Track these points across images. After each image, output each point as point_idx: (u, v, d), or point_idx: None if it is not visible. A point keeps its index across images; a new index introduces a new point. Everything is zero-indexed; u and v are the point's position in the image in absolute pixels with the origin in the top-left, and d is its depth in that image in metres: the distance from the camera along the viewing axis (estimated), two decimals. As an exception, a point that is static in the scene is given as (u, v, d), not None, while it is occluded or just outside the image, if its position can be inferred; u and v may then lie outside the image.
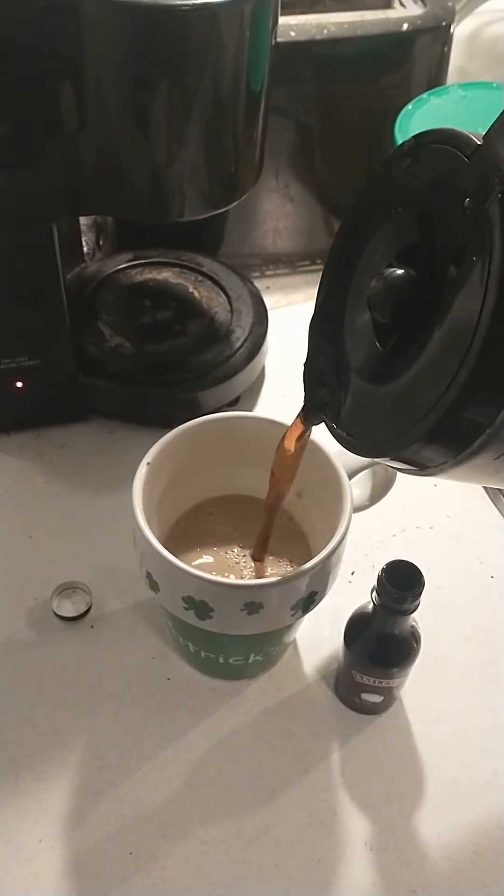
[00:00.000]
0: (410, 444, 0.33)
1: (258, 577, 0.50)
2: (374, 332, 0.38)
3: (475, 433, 0.32)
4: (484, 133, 0.32)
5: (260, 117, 0.56)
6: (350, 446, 0.39)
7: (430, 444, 0.33)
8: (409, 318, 0.36)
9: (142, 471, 0.48)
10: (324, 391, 0.42)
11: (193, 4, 0.46)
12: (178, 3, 0.46)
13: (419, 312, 0.35)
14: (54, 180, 0.53)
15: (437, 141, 0.35)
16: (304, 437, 0.46)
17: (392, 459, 0.36)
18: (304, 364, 0.44)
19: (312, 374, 0.43)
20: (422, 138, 0.36)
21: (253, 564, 0.51)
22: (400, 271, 0.36)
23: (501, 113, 0.31)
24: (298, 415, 0.45)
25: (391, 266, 0.37)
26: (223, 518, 0.53)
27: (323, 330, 0.43)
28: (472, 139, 0.33)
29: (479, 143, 0.32)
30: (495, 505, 0.66)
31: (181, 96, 0.50)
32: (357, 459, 0.50)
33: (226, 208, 0.58)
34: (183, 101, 0.50)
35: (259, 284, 0.75)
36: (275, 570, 0.51)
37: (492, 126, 0.32)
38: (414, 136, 0.37)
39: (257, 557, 0.51)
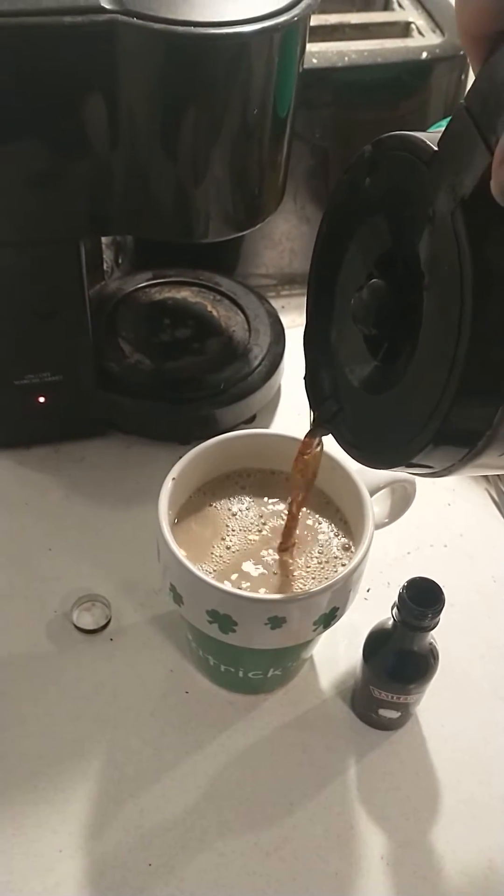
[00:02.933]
0: (414, 455, 0.34)
1: (283, 570, 0.50)
2: (365, 342, 0.39)
3: (476, 436, 0.32)
4: (438, 139, 0.32)
5: (285, 143, 0.57)
6: (357, 457, 0.40)
7: (434, 452, 0.34)
8: (395, 327, 0.36)
9: (168, 485, 0.49)
10: (328, 403, 0.43)
11: (226, 33, 0.47)
12: (211, 31, 0.47)
13: (403, 320, 0.35)
14: (83, 200, 0.54)
15: (395, 147, 0.34)
16: (315, 450, 0.47)
17: (401, 467, 0.37)
18: (305, 378, 0.44)
19: (315, 387, 0.44)
20: (380, 144, 0.36)
21: (277, 556, 0.51)
22: (378, 282, 0.36)
23: (451, 118, 0.30)
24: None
25: (371, 274, 0.37)
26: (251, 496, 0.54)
27: (317, 344, 0.43)
28: (428, 145, 0.32)
29: (435, 148, 0.32)
30: (508, 525, 0.66)
31: (210, 121, 0.51)
32: (377, 476, 0.51)
33: (249, 230, 0.60)
34: (211, 125, 0.52)
35: (275, 304, 0.76)
36: (301, 562, 0.51)
37: (445, 130, 0.31)
38: (372, 143, 0.36)
39: (282, 549, 0.51)
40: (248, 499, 0.53)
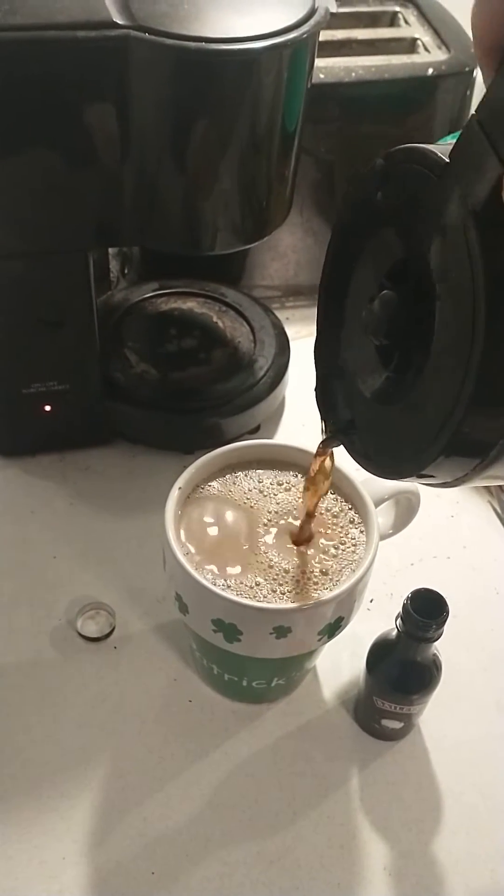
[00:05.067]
0: (426, 465, 0.34)
1: (301, 563, 0.50)
2: (377, 353, 0.39)
3: (488, 446, 0.33)
4: (449, 151, 0.32)
5: (293, 157, 0.58)
6: (369, 467, 0.40)
7: (445, 462, 0.34)
8: (407, 338, 0.36)
9: (174, 494, 0.49)
10: (340, 414, 0.43)
11: (236, 49, 0.48)
12: (222, 47, 0.48)
13: (415, 331, 0.35)
14: (92, 212, 0.54)
15: (407, 160, 0.35)
16: (326, 460, 0.48)
17: (412, 478, 0.37)
18: (316, 389, 0.45)
19: (326, 398, 0.44)
20: (391, 157, 0.36)
21: (292, 547, 0.50)
22: (390, 293, 0.36)
23: (463, 129, 0.31)
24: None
25: (382, 286, 0.37)
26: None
27: (328, 355, 0.43)
28: (439, 157, 0.33)
29: (446, 160, 0.32)
30: (511, 537, 0.67)
31: (219, 135, 0.52)
32: (382, 487, 0.51)
33: (256, 243, 0.60)
34: (220, 139, 0.52)
35: (280, 315, 0.77)
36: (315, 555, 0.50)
37: (457, 142, 0.32)
38: (383, 156, 0.36)
39: (297, 542, 0.51)
40: (256, 495, 0.52)
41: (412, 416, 0.36)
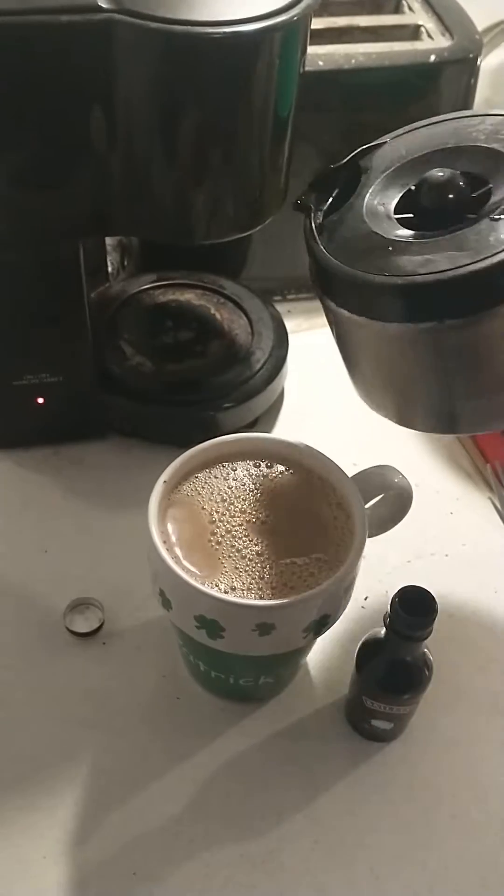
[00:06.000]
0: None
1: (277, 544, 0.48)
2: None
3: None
4: None
5: (286, 143, 0.56)
6: (322, 261, 0.48)
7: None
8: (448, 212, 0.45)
9: (158, 488, 0.49)
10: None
11: (225, 32, 0.47)
12: (210, 31, 0.47)
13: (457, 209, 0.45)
14: (82, 200, 0.53)
15: None
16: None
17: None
18: (333, 166, 0.52)
19: (327, 178, 0.52)
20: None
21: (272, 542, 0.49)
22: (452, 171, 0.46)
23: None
24: None
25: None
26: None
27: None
28: None
29: None
30: (511, 534, 0.65)
31: (209, 121, 0.51)
32: (373, 484, 0.50)
33: (251, 231, 0.59)
34: (210, 125, 0.51)
35: (281, 308, 0.76)
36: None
37: None
38: None
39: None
40: (245, 490, 0.51)
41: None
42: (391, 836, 0.50)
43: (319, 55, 0.67)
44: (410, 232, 0.47)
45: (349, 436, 0.65)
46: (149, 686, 0.55)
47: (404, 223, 0.47)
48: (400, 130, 0.53)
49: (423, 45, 0.71)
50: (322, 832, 0.50)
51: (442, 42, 0.70)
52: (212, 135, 0.52)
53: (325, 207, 0.51)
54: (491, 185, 0.46)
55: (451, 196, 0.46)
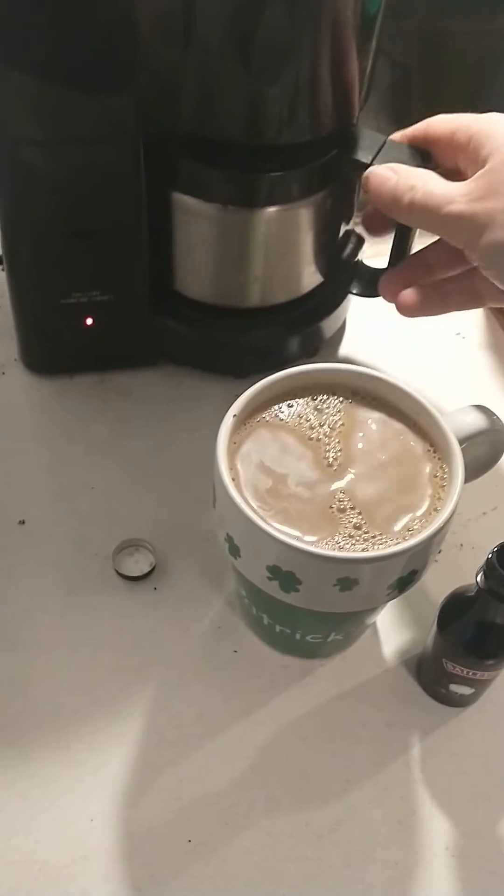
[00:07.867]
0: None
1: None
2: None
3: None
4: None
5: (372, 45, 0.50)
6: None
7: None
8: None
9: (227, 422, 0.43)
10: None
11: None
12: None
13: None
14: (145, 92, 0.47)
15: None
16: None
17: None
18: None
19: None
20: None
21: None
22: None
23: None
24: None
25: None
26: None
27: None
28: None
29: None
30: None
31: (289, 13, 0.44)
32: (465, 425, 0.45)
33: (322, 135, 0.53)
34: (291, 18, 0.45)
35: (347, 232, 0.69)
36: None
37: None
38: None
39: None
40: (321, 427, 0.45)
41: None
42: (467, 811, 0.46)
43: None
44: None
45: (418, 373, 0.59)
46: (204, 637, 0.51)
47: None
48: None
49: None
50: (393, 803, 0.46)
51: None
52: (293, 28, 0.45)
53: None
54: None
55: None
